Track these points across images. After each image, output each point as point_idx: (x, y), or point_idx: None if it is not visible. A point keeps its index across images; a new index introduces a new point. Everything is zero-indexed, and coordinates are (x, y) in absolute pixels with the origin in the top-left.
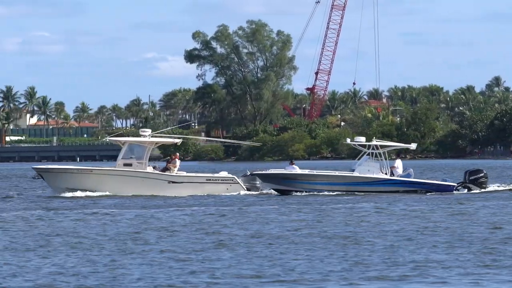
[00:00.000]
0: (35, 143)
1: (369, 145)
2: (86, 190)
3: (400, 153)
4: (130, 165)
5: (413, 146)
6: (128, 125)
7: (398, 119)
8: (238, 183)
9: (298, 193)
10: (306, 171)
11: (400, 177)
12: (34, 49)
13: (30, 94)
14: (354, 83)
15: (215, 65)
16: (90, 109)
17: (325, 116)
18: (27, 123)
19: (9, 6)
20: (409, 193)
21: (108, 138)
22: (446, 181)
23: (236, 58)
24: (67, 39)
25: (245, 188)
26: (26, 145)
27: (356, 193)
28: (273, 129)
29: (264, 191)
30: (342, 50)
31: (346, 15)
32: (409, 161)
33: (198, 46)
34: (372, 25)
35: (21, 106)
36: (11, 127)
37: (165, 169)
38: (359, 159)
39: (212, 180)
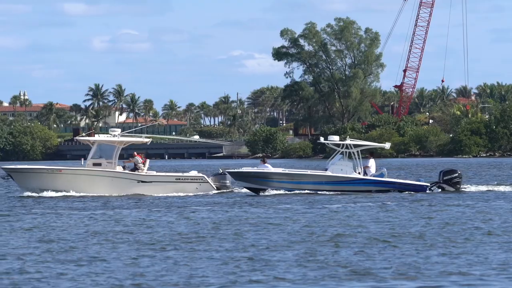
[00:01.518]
0: None
1: (343, 144)
2: (55, 190)
3: (373, 152)
4: (99, 164)
5: (386, 145)
6: (216, 122)
7: (487, 116)
8: (208, 182)
9: (271, 192)
10: (280, 170)
11: (374, 176)
12: (122, 47)
13: (119, 92)
14: (442, 81)
15: (303, 62)
16: (179, 107)
17: (413, 113)
18: (116, 121)
19: (97, 4)
20: (382, 193)
21: (76, 138)
22: (420, 181)
23: (324, 56)
24: (154, 37)
25: (215, 187)
26: None
27: (328, 192)
28: (361, 127)
29: (235, 190)
30: (430, 47)
31: (434, 12)
32: (496, 158)
33: (286, 43)
34: (460, 22)
35: (110, 104)
36: (101, 124)
37: (135, 168)
38: (332, 158)
39: (182, 179)
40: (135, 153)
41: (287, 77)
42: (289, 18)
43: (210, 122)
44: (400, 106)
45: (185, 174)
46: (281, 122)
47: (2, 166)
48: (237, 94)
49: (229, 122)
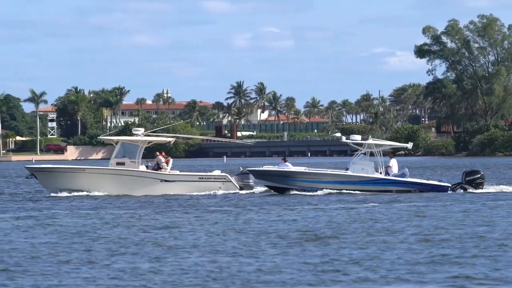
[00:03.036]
0: (265, 138)
1: (365, 144)
2: (79, 190)
3: (395, 152)
4: (123, 164)
5: (409, 145)
6: (358, 120)
7: None
8: (231, 181)
9: (293, 192)
10: (302, 169)
11: (395, 176)
12: (264, 44)
13: (260, 89)
14: None
15: (445, 59)
16: (321, 105)
17: None
18: (258, 118)
19: (241, 2)
20: (403, 193)
21: (100, 137)
22: (441, 181)
23: (466, 53)
24: (296, 34)
25: (238, 187)
26: (257, 140)
27: (347, 192)
28: (505, 124)
29: (257, 189)
30: None
31: None
32: None
33: (428, 41)
34: None
35: (252, 101)
36: (243, 122)
37: (158, 168)
38: (354, 157)
39: (205, 178)
40: (158, 152)
41: (429, 75)
42: (431, 15)
43: (352, 119)
44: None
45: (208, 173)
46: (423, 119)
47: (25, 165)
48: (379, 92)
49: (371, 120)
